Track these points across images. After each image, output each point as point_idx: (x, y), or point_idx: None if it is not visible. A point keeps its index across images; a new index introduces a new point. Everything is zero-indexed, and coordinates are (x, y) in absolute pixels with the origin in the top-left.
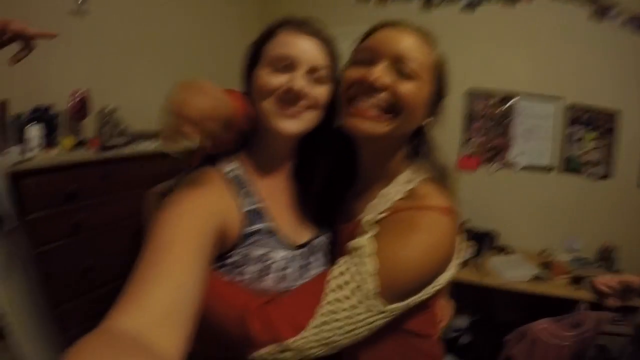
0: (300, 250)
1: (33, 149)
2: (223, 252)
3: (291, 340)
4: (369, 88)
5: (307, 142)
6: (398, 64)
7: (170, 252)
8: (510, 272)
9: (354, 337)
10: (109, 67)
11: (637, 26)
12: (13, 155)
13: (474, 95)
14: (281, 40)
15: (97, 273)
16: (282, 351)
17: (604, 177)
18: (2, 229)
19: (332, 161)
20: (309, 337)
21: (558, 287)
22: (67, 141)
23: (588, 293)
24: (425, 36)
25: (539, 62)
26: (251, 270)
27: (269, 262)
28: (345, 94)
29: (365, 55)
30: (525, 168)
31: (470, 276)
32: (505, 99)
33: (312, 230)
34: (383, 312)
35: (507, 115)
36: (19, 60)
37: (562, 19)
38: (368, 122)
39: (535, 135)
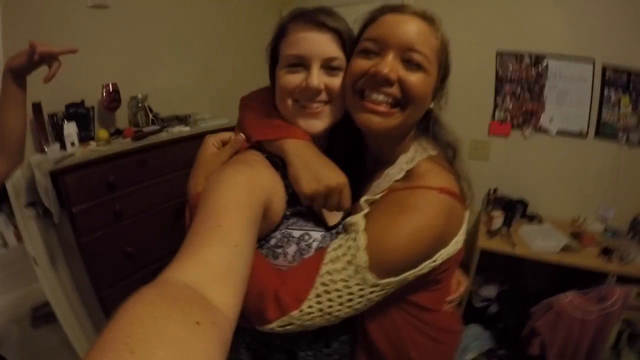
0: (333, 231)
1: (71, 145)
2: (264, 234)
3: (295, 312)
4: (380, 81)
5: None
6: (406, 55)
7: (225, 217)
8: (540, 242)
9: (352, 308)
10: (134, 58)
11: None
12: (54, 152)
13: (504, 57)
14: (292, 37)
15: (138, 257)
16: (288, 324)
17: None
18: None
19: (346, 145)
20: (310, 307)
21: (588, 259)
22: (102, 133)
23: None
24: (431, 20)
25: (572, 21)
26: (292, 250)
27: (309, 241)
28: (353, 86)
29: (372, 45)
30: (559, 133)
31: (499, 246)
32: (538, 60)
33: (341, 213)
34: (377, 285)
35: (539, 78)
36: (52, 78)
37: None
38: (379, 118)
39: (569, 99)
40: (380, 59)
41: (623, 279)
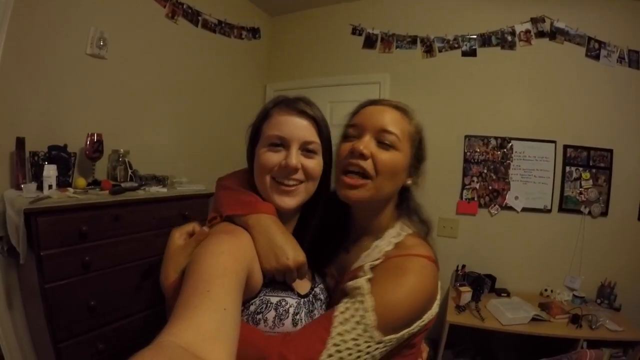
0: (306, 299)
1: (49, 187)
2: (244, 301)
3: None
4: (357, 155)
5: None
6: (379, 136)
7: (213, 283)
8: (510, 315)
9: None
10: (122, 112)
11: (632, 61)
12: (30, 191)
13: (472, 140)
14: (275, 120)
15: (101, 313)
16: None
17: (603, 214)
18: (18, 261)
19: (325, 221)
20: None
21: (557, 328)
22: (80, 181)
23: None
24: (403, 110)
25: (536, 104)
26: (271, 315)
27: (286, 306)
28: (340, 165)
29: (354, 131)
30: (524, 210)
31: (468, 320)
32: (503, 143)
33: (310, 281)
34: (381, 342)
35: (505, 159)
36: None
37: (559, 60)
38: (355, 190)
39: (533, 177)
40: (358, 140)
41: (594, 344)
